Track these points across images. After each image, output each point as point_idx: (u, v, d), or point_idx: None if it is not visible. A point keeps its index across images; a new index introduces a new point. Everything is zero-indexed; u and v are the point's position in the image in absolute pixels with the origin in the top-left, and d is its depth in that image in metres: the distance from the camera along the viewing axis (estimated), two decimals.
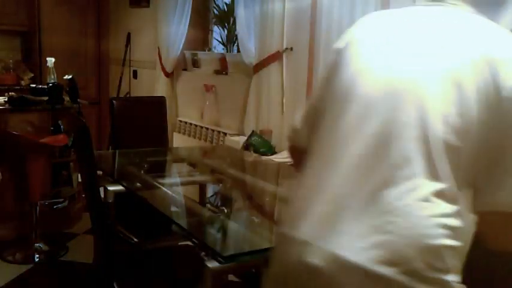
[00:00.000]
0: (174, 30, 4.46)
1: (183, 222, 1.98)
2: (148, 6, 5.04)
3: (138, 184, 2.39)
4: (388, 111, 0.98)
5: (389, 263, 0.90)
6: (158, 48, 4.71)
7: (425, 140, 0.94)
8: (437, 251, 0.91)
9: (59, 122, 3.60)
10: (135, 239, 2.46)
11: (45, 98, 3.64)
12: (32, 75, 5.11)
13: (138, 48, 5.30)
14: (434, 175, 0.93)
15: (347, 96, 1.05)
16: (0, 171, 3.37)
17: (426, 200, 0.92)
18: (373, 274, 0.90)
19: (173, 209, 2.17)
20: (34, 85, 4.08)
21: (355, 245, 0.93)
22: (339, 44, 1.17)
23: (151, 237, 2.53)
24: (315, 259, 0.96)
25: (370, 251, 0.92)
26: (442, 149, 0.93)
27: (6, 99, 3.57)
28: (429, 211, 0.92)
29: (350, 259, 0.93)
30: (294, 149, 1.33)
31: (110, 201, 2.32)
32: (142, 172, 2.54)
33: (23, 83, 5.00)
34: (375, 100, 1.00)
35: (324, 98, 1.13)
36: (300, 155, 1.22)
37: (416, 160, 0.93)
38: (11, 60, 5.12)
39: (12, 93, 3.69)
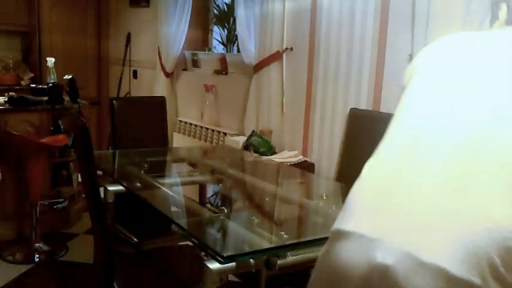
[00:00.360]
0: (174, 30, 4.46)
1: (183, 222, 1.98)
2: (148, 6, 5.04)
3: (138, 184, 2.39)
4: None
5: (473, 266, 0.83)
6: (158, 48, 4.71)
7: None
8: None
9: (59, 122, 3.60)
10: (135, 239, 2.46)
11: (45, 98, 3.64)
12: (32, 75, 5.11)
13: (138, 48, 5.30)
14: None
15: None
16: (0, 171, 3.37)
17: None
18: (456, 278, 0.83)
19: (173, 209, 2.17)
20: (34, 85, 4.09)
21: (436, 245, 0.86)
22: (404, 79, 1.14)
23: (151, 237, 2.53)
24: (387, 259, 0.89)
25: (452, 251, 0.84)
26: None
27: (6, 99, 3.57)
28: None
29: (429, 260, 0.85)
30: None
31: (110, 201, 2.32)
32: (142, 172, 2.54)
33: (23, 83, 5.00)
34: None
35: None
36: None
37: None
38: (11, 60, 5.12)
39: (12, 93, 3.69)
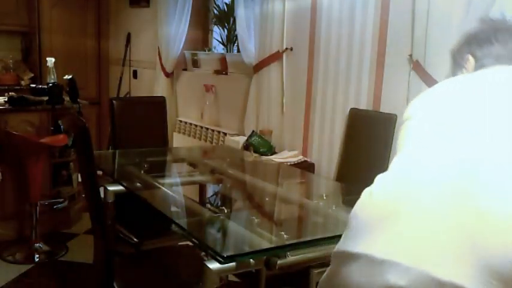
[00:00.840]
0: (174, 30, 4.46)
1: (183, 222, 1.98)
2: (148, 6, 5.04)
3: (138, 184, 2.39)
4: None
5: (491, 284, 0.82)
6: (158, 48, 4.71)
7: None
8: None
9: (59, 122, 3.60)
10: (135, 239, 2.46)
11: (45, 98, 3.64)
12: (32, 75, 5.11)
13: (138, 48, 5.30)
14: None
15: None
16: (0, 171, 3.37)
17: None
18: None
19: (173, 209, 2.17)
20: (34, 85, 4.09)
21: (451, 263, 0.85)
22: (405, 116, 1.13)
23: (151, 237, 2.53)
24: (401, 281, 0.87)
25: (469, 269, 0.83)
26: None
27: (6, 99, 3.57)
28: None
29: (447, 278, 0.84)
30: None
31: (110, 201, 2.32)
32: (142, 172, 2.54)
33: (23, 83, 5.00)
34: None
35: None
36: None
37: None
38: (11, 60, 5.12)
39: (12, 93, 3.69)
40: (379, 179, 1.04)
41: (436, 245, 0.88)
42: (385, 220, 0.95)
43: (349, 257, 0.97)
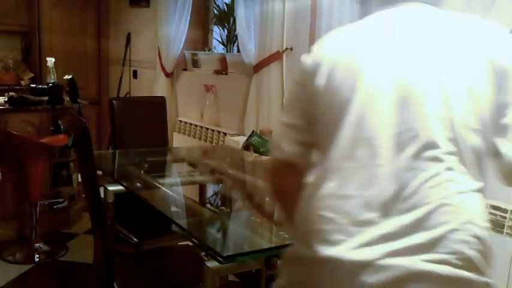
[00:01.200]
0: (174, 30, 4.46)
1: (183, 222, 1.98)
2: (148, 6, 5.04)
3: (138, 184, 2.39)
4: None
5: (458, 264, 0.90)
6: (158, 48, 4.71)
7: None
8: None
9: (59, 122, 3.60)
10: (135, 239, 2.46)
11: (45, 98, 3.64)
12: (32, 75, 5.11)
13: (138, 48, 5.30)
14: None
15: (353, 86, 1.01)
16: (0, 171, 3.37)
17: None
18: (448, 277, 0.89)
19: (173, 209, 2.17)
20: (34, 85, 4.09)
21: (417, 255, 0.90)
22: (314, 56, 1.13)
23: (151, 237, 2.53)
24: (373, 280, 0.91)
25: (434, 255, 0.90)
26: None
27: (6, 99, 3.57)
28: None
29: (415, 267, 0.89)
30: (279, 165, 1.21)
31: (110, 201, 2.32)
32: (142, 172, 2.54)
33: (23, 83, 5.00)
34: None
35: (313, 101, 1.08)
36: (287, 170, 1.17)
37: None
38: (11, 60, 5.11)
39: (12, 93, 3.69)
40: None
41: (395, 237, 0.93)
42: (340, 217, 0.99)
43: (322, 261, 0.99)
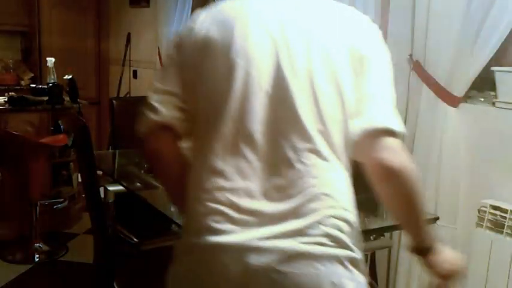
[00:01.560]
0: (174, 30, 4.46)
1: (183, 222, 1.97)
2: (148, 6, 5.04)
3: (138, 184, 2.39)
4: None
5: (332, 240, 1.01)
6: (158, 48, 4.71)
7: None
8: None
9: (59, 122, 3.60)
10: (135, 239, 2.46)
11: (45, 98, 3.64)
12: (32, 75, 5.11)
13: (138, 48, 5.30)
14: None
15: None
16: (0, 171, 3.37)
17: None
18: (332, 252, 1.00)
19: (173, 209, 2.17)
20: (34, 85, 4.09)
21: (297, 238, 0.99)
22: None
23: (151, 237, 2.53)
24: (256, 261, 0.98)
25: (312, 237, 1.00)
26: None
27: (6, 99, 3.57)
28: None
29: (296, 248, 0.98)
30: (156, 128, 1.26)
31: (110, 201, 2.32)
32: (142, 172, 2.54)
33: (23, 83, 5.00)
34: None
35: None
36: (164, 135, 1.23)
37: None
38: (11, 60, 5.11)
39: (12, 93, 3.69)
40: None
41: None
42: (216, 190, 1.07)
43: (216, 248, 1.05)
